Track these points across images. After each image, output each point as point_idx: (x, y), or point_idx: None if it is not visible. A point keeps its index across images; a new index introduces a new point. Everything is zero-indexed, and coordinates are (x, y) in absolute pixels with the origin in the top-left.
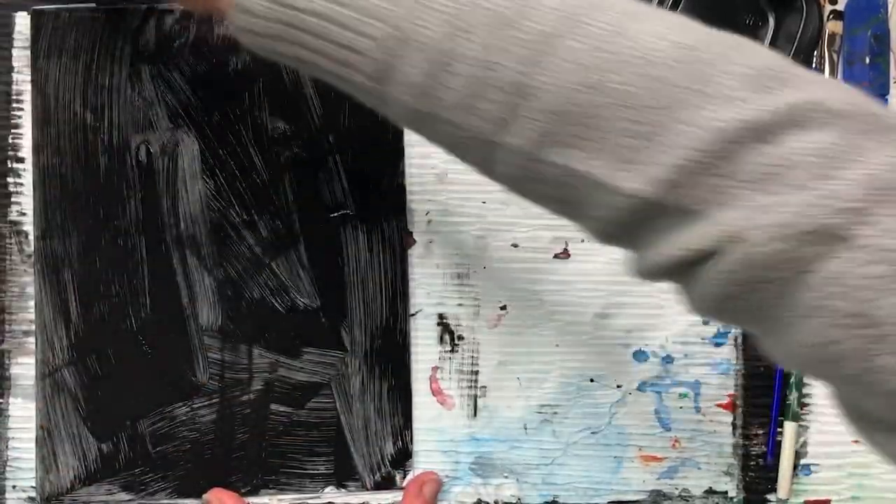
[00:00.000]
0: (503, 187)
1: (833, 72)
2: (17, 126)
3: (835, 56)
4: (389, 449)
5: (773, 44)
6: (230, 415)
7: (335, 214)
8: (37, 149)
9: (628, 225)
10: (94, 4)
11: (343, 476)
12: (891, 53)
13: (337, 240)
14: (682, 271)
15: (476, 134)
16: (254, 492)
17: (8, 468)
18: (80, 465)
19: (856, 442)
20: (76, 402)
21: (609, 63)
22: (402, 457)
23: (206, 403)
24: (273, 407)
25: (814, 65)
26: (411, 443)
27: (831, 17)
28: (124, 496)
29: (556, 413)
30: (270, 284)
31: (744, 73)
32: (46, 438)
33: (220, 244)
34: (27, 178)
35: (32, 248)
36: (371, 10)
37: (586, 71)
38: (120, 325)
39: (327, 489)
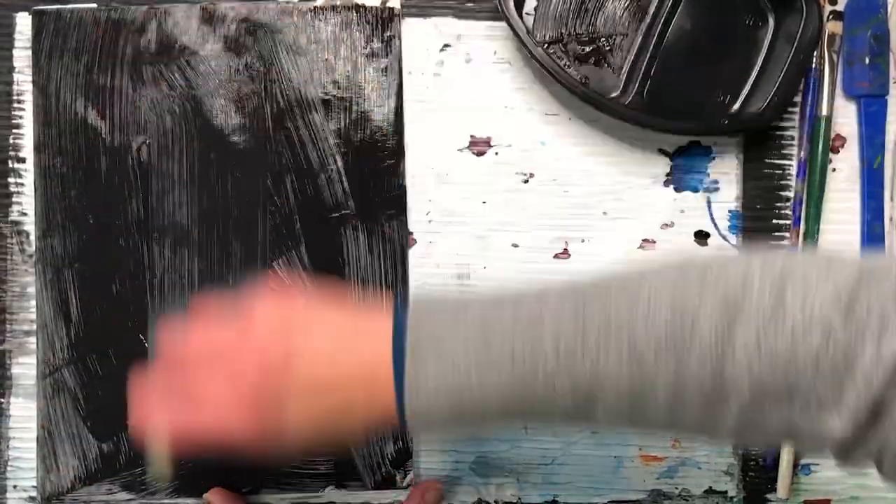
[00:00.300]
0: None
1: (833, 72)
2: (17, 126)
3: (835, 56)
4: (390, 449)
5: (773, 44)
6: None
7: (336, 214)
8: (38, 148)
9: (838, 449)
10: (95, 4)
11: (344, 476)
12: (890, 54)
13: (337, 240)
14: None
15: (685, 426)
16: (254, 491)
17: (9, 468)
18: (80, 464)
19: None
20: (76, 402)
21: (784, 339)
22: (403, 456)
23: None
24: None
25: (814, 65)
26: (411, 443)
27: (831, 17)
28: (125, 496)
29: None
30: (272, 285)
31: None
32: (47, 438)
33: (224, 245)
34: (28, 179)
35: (34, 248)
36: (553, 371)
37: (772, 356)
38: (120, 325)
39: (328, 489)
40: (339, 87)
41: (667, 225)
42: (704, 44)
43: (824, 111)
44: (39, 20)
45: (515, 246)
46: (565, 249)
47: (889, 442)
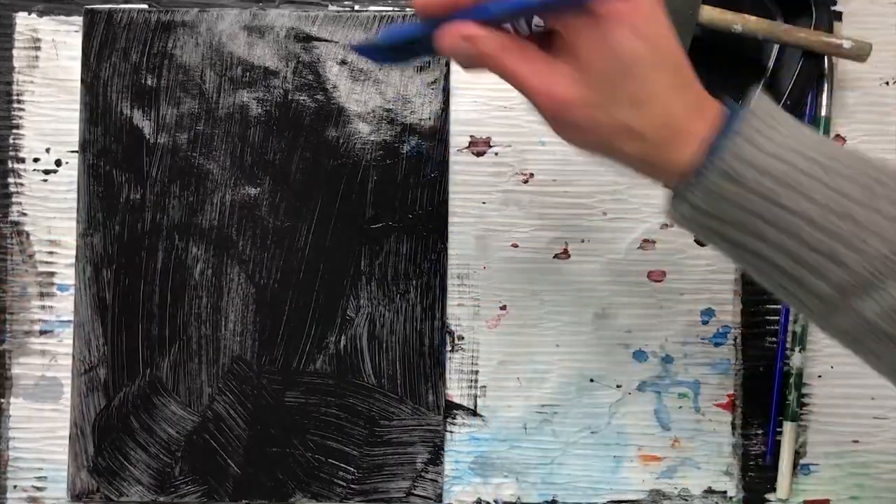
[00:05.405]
0: None
1: (833, 72)
2: (18, 126)
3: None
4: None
5: (783, 47)
6: (263, 421)
7: (377, 226)
8: (83, 146)
9: None
10: (146, 5)
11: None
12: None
13: (377, 251)
14: None
15: None
16: (283, 499)
17: (9, 468)
18: (111, 464)
19: (855, 442)
20: (110, 401)
21: None
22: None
23: (238, 408)
24: (306, 417)
25: (825, 69)
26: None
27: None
28: (155, 496)
29: (555, 413)
30: (308, 292)
31: None
32: (79, 436)
33: (262, 250)
34: (28, 179)
35: (74, 245)
36: (868, 226)
37: None
38: (156, 326)
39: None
40: (385, 99)
41: (667, 225)
42: (714, 48)
43: (824, 111)
44: (91, 19)
45: (515, 246)
46: (565, 249)
47: None
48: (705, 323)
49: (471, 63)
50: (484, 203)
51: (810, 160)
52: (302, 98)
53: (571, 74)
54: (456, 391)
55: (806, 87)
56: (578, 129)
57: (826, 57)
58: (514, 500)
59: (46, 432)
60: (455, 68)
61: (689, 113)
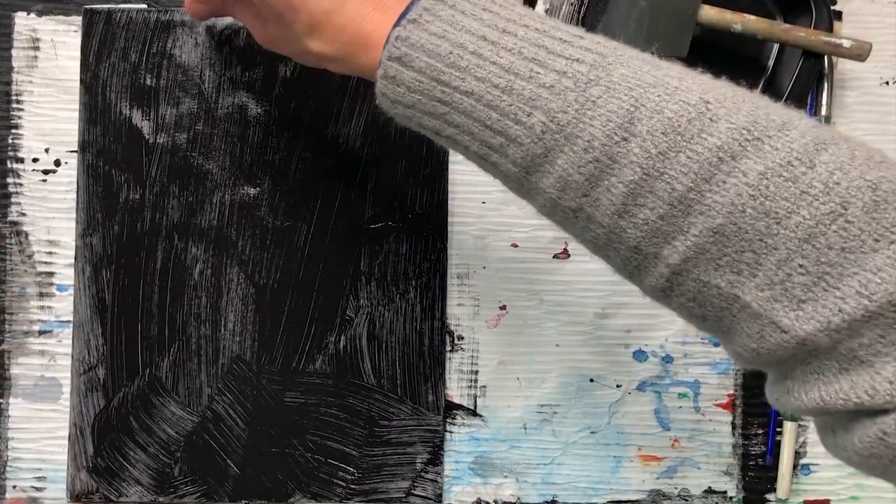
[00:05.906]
0: (649, 297)
1: (833, 72)
2: (17, 126)
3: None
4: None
5: (783, 47)
6: (262, 421)
7: (377, 226)
8: (82, 147)
9: (783, 360)
10: (145, 5)
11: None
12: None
13: (377, 251)
14: (834, 417)
15: (627, 240)
16: (282, 499)
17: (8, 468)
18: (110, 464)
19: None
20: (109, 401)
21: (792, 194)
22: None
23: (238, 409)
24: (306, 417)
25: (825, 69)
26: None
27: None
28: (154, 497)
29: (555, 413)
30: (308, 293)
31: None
32: (78, 436)
33: (262, 251)
34: (27, 179)
35: (74, 245)
36: (531, 99)
37: (764, 197)
38: (156, 326)
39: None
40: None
41: None
42: (714, 48)
43: (824, 111)
44: (90, 19)
45: (515, 246)
46: (564, 249)
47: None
48: None
49: (213, 12)
50: (484, 203)
51: (479, 38)
52: (301, 98)
53: (260, 17)
54: (456, 391)
55: (806, 86)
56: (293, 58)
57: (826, 56)
58: (514, 500)
59: (46, 432)
60: None
61: (367, 22)
